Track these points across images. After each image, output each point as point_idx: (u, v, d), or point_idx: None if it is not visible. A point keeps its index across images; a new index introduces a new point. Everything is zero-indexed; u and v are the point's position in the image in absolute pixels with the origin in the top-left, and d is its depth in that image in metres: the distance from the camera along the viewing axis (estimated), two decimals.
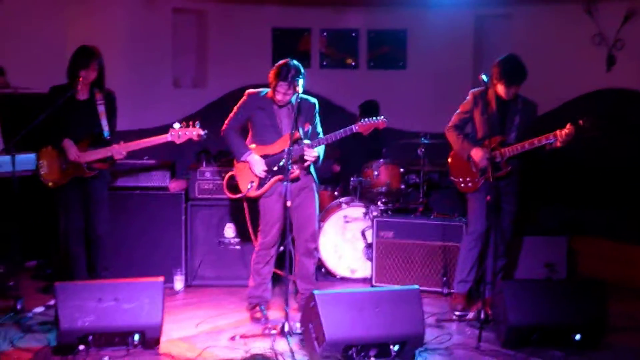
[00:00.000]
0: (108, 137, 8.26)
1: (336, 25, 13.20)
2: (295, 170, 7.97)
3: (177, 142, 8.26)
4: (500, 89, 8.14)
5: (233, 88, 12.73)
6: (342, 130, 7.93)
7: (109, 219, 8.59)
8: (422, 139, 10.05)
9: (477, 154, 8.21)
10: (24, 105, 9.68)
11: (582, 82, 11.61)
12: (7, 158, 8.10)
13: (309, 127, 8.13)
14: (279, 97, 7.97)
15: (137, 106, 10.92)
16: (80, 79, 8.03)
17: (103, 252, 8.48)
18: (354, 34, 13.27)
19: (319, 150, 8.09)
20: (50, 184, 8.29)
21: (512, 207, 8.37)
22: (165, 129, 8.36)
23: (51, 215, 8.93)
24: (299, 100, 7.90)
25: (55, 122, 8.10)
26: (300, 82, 7.85)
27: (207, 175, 9.46)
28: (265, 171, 8.07)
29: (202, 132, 8.27)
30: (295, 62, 7.98)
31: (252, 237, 8.50)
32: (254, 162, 8.07)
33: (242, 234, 9.40)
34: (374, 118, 7.95)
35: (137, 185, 9.35)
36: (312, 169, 8.22)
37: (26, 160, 8.41)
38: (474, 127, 8.40)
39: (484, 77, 8.11)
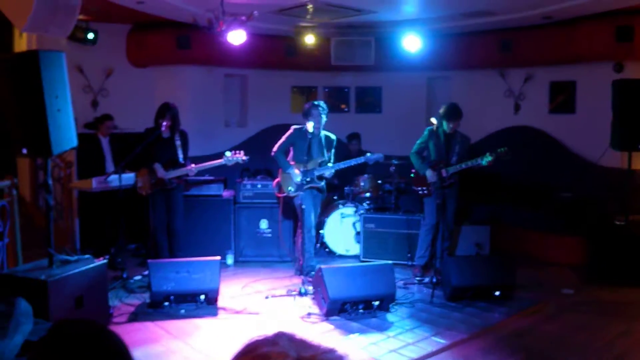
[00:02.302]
0: (182, 162, 8.30)
1: (334, 84, 13.19)
2: (319, 183, 8.27)
3: (229, 164, 8.35)
4: (445, 125, 8.19)
5: (265, 127, 12.75)
6: (354, 160, 8.21)
7: (183, 217, 8.61)
8: (393, 160, 10.03)
9: (429, 173, 8.28)
10: (127, 141, 9.73)
11: (499, 121, 11.63)
12: (116, 176, 8.14)
13: (328, 153, 8.28)
14: (310, 128, 8.16)
15: (201, 140, 10.90)
16: (161, 124, 8.09)
17: (179, 240, 8.49)
18: (346, 90, 13.27)
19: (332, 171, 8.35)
20: (143, 193, 8.33)
21: (453, 206, 8.39)
22: (219, 155, 8.43)
23: (144, 215, 8.99)
24: (324, 135, 8.35)
25: (148, 152, 8.16)
26: (324, 118, 8.15)
27: (248, 187, 9.47)
28: (300, 181, 8.24)
29: (245, 157, 8.36)
30: (322, 103, 8.15)
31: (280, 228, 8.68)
32: (294, 175, 8.26)
33: (272, 226, 9.46)
34: (379, 155, 8.32)
35: (202, 194, 9.33)
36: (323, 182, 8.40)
37: (128, 177, 8.42)
38: (429, 152, 8.42)
39: (433, 119, 8.24)
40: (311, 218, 8.32)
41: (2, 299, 4.84)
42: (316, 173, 8.28)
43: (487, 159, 7.88)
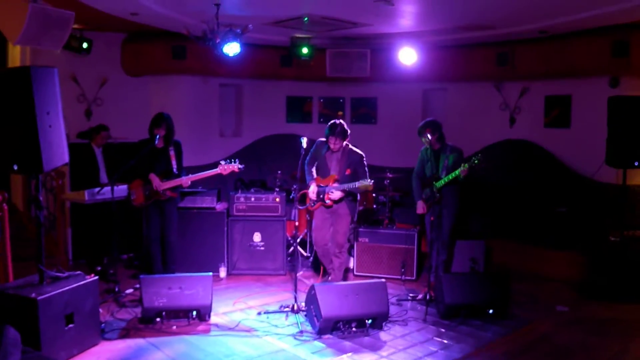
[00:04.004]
0: (176, 172, 8.25)
1: (330, 94, 13.17)
2: (327, 201, 8.15)
3: (224, 173, 8.31)
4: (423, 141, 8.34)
5: (260, 136, 12.75)
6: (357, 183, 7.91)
7: (177, 229, 8.56)
8: (387, 173, 10.02)
9: (419, 203, 8.49)
10: (122, 151, 9.70)
11: (495, 134, 11.60)
12: (108, 188, 8.09)
13: (349, 172, 8.06)
14: (331, 146, 8.04)
15: (196, 149, 10.90)
16: (156, 135, 8.04)
17: (172, 252, 8.43)
18: (341, 100, 13.25)
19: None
20: (137, 204, 8.27)
21: (448, 221, 8.34)
22: (215, 165, 8.39)
23: (137, 226, 8.94)
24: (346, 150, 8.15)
25: (143, 163, 8.12)
26: (340, 138, 7.99)
27: (241, 199, 9.42)
28: (315, 197, 8.18)
29: (240, 166, 8.31)
30: (341, 122, 8.06)
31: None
32: (311, 190, 8.21)
33: (266, 239, 9.40)
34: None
35: (195, 206, 9.28)
36: (345, 199, 8.20)
37: (121, 189, 8.38)
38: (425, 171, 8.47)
39: (428, 135, 8.21)
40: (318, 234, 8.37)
41: None
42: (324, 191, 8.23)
43: (460, 169, 7.83)
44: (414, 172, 8.62)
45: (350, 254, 9.43)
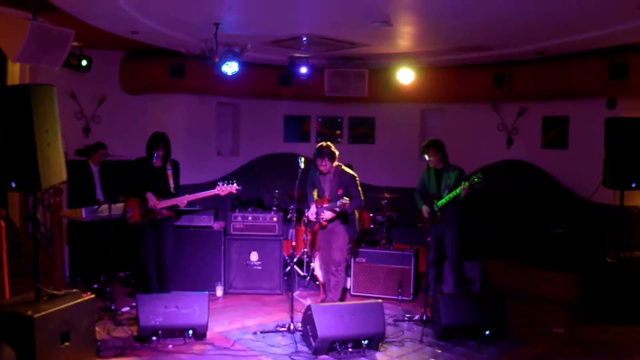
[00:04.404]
0: (174, 192, 8.26)
1: (328, 113, 13.20)
2: (321, 222, 8.25)
3: (222, 194, 8.35)
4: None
5: (257, 156, 12.76)
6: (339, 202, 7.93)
7: (173, 247, 8.55)
8: (385, 193, 10.05)
9: (424, 209, 8.45)
10: (119, 168, 9.72)
11: (492, 154, 11.62)
12: (105, 206, 8.11)
13: (341, 192, 8.10)
14: (320, 168, 8.17)
15: (193, 168, 10.90)
16: (154, 154, 8.06)
17: (168, 270, 8.40)
18: (339, 120, 13.27)
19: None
20: (133, 223, 8.27)
21: (452, 240, 8.38)
22: (212, 184, 8.44)
23: (134, 244, 8.94)
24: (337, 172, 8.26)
25: (140, 182, 8.13)
26: (327, 160, 8.11)
27: (239, 218, 9.45)
28: (314, 218, 8.31)
29: (238, 187, 8.35)
30: (329, 144, 8.17)
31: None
32: (310, 212, 8.37)
33: (262, 258, 9.41)
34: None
35: (192, 225, 9.31)
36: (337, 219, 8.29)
37: (118, 207, 8.39)
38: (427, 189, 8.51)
39: (426, 156, 8.24)
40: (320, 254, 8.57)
41: None
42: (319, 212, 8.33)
43: (461, 187, 7.89)
44: (415, 189, 8.67)
45: (347, 274, 9.44)
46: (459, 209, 8.37)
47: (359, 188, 8.22)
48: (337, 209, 8.00)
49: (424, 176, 8.59)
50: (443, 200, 8.14)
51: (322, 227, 8.31)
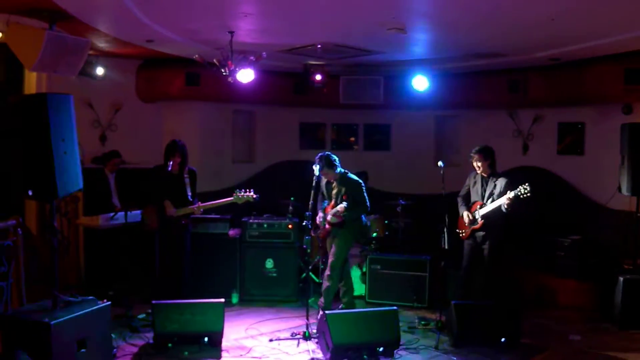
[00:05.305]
0: (191, 200, 8.32)
1: (343, 121, 13.21)
2: (326, 226, 8.37)
3: (239, 203, 8.39)
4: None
5: (273, 163, 12.79)
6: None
7: (189, 255, 8.60)
8: (400, 200, 10.05)
9: (465, 215, 8.40)
10: (134, 176, 9.78)
11: (508, 161, 11.49)
12: (122, 214, 8.18)
13: (346, 198, 8.15)
14: (323, 176, 8.30)
15: (209, 175, 10.93)
16: (170, 162, 8.12)
17: (184, 278, 8.46)
18: (355, 127, 13.28)
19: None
20: (150, 230, 8.32)
21: (487, 250, 8.26)
22: (228, 191, 8.50)
23: (150, 251, 8.98)
24: (337, 178, 8.31)
25: (157, 189, 8.21)
26: (326, 169, 8.16)
27: (254, 226, 9.50)
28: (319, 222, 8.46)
29: (255, 196, 8.42)
30: (327, 154, 8.23)
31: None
32: (318, 218, 8.45)
33: (278, 265, 9.46)
34: None
35: (208, 232, 9.36)
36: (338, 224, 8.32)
37: (134, 215, 8.45)
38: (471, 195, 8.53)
39: (440, 163, 8.16)
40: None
41: (3, 355, 4.82)
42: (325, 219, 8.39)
43: (505, 199, 7.77)
44: (459, 194, 8.66)
45: (362, 281, 9.46)
46: (502, 219, 8.22)
47: (365, 194, 8.26)
48: (337, 215, 8.11)
49: (470, 182, 8.56)
50: (485, 209, 8.10)
51: (327, 233, 8.38)
